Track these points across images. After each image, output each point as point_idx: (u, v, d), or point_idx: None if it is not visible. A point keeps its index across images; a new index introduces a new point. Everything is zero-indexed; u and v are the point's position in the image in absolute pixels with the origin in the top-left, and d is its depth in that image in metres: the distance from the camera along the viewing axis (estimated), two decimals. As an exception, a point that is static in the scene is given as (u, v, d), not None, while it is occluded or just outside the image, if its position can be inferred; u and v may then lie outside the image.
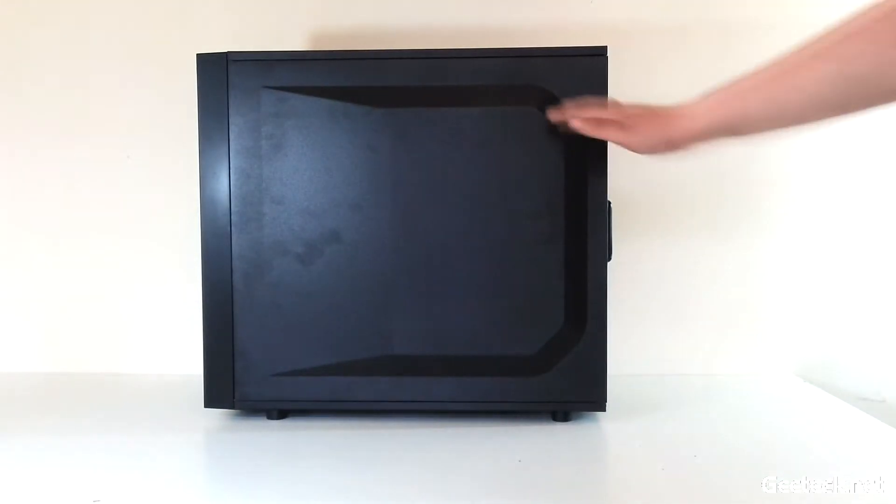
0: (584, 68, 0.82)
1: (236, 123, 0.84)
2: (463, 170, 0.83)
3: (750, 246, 1.09)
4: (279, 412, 0.86)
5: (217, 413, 0.88)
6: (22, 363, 1.13)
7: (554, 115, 0.81)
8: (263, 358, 0.84)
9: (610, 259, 0.84)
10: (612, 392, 0.84)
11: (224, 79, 0.83)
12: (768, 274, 1.10)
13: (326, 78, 0.83)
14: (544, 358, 0.83)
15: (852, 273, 1.10)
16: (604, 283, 0.82)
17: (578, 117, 0.78)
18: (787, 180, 1.09)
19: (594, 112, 0.79)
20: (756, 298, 1.10)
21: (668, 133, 0.73)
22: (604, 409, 0.83)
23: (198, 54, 0.84)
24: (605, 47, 0.82)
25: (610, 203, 0.83)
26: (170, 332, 1.11)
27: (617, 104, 0.80)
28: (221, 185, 0.84)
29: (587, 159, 0.82)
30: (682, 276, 1.09)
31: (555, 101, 0.82)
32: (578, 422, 0.85)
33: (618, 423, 0.84)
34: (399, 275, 0.83)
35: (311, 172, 0.84)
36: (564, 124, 0.80)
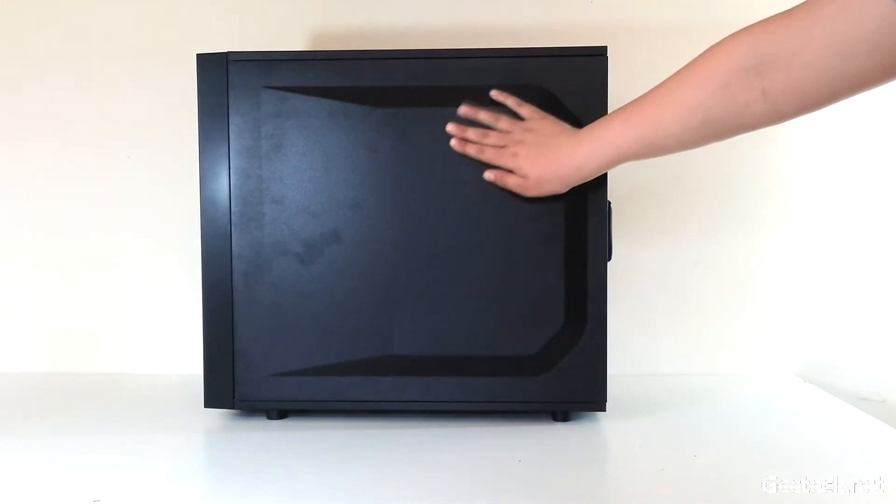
0: (584, 68, 0.82)
1: (236, 123, 0.84)
2: (463, 170, 0.83)
3: (750, 246, 1.09)
4: (279, 412, 0.86)
5: (217, 413, 0.88)
6: (22, 363, 1.13)
7: (455, 144, 0.82)
8: (263, 358, 0.84)
9: (610, 259, 0.84)
10: (612, 392, 0.84)
11: (224, 79, 0.83)
12: (768, 274, 1.10)
13: (326, 78, 0.83)
14: (544, 358, 0.83)
15: (852, 273, 1.10)
16: (604, 283, 0.82)
17: (466, 145, 0.82)
18: (787, 181, 1.09)
19: (476, 136, 0.82)
20: (756, 298, 1.10)
21: (560, 176, 0.79)
22: (604, 409, 0.83)
23: (198, 54, 0.84)
24: (605, 47, 0.82)
25: (610, 203, 0.83)
26: (170, 332, 1.11)
27: (506, 121, 0.81)
28: (221, 185, 0.84)
29: (587, 159, 0.82)
30: (681, 276, 1.10)
31: (555, 101, 0.82)
32: (578, 422, 0.85)
33: (618, 423, 0.84)
34: (399, 275, 0.83)
35: (311, 172, 0.84)
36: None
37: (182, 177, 1.07)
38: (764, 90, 0.67)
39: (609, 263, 0.83)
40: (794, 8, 0.65)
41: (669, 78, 0.74)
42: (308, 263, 0.84)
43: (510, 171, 0.81)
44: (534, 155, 0.79)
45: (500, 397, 0.83)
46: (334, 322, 0.84)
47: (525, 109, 0.82)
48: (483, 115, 0.82)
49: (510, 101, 0.82)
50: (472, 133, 0.82)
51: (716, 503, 0.64)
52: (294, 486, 0.66)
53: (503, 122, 0.81)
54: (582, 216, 0.82)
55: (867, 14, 0.59)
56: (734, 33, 0.69)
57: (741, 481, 0.67)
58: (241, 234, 0.84)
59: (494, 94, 0.82)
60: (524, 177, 0.80)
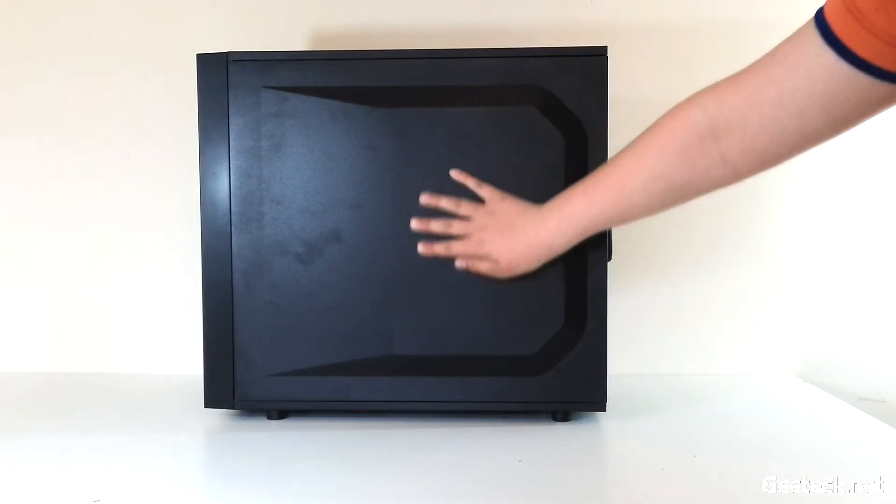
0: (584, 68, 0.82)
1: (236, 123, 0.84)
2: (463, 170, 0.83)
3: (750, 246, 1.09)
4: (279, 412, 0.86)
5: (217, 413, 0.88)
6: (22, 363, 1.13)
7: (423, 248, 0.82)
8: (263, 358, 0.84)
9: (610, 259, 0.83)
10: (612, 392, 0.84)
11: (224, 79, 0.83)
12: (768, 274, 1.10)
13: (326, 78, 0.83)
14: (544, 358, 0.83)
15: (852, 273, 1.10)
16: (604, 283, 0.82)
17: (432, 246, 0.82)
18: (788, 180, 1.09)
19: (440, 227, 0.81)
20: (756, 298, 1.10)
21: (531, 256, 0.79)
22: (604, 409, 0.83)
23: (198, 54, 0.84)
24: (605, 47, 0.82)
25: (610, 203, 0.83)
26: (170, 332, 1.11)
27: (467, 206, 0.81)
28: (221, 185, 0.84)
29: (587, 159, 0.82)
30: (681, 276, 1.09)
31: (555, 100, 0.82)
32: (578, 422, 0.85)
33: (618, 423, 0.84)
34: (399, 275, 0.83)
35: (311, 172, 0.84)
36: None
37: (182, 177, 1.07)
38: (722, 154, 0.68)
39: (609, 263, 0.83)
40: (742, 72, 0.67)
41: (628, 147, 0.75)
42: (308, 263, 0.84)
43: (480, 258, 0.81)
44: (500, 239, 0.79)
45: (500, 397, 0.83)
46: (334, 322, 0.84)
47: (484, 191, 0.82)
48: (444, 203, 0.82)
49: (470, 182, 0.82)
50: (435, 224, 0.82)
51: (716, 503, 0.64)
52: (294, 486, 0.66)
53: (464, 208, 0.82)
54: (582, 216, 0.82)
55: (814, 73, 0.61)
56: (686, 100, 0.71)
57: (741, 481, 0.67)
58: (241, 234, 0.84)
59: (454, 174, 0.82)
60: (495, 261, 0.80)
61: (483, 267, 0.81)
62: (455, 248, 0.81)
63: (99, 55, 1.10)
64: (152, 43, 1.10)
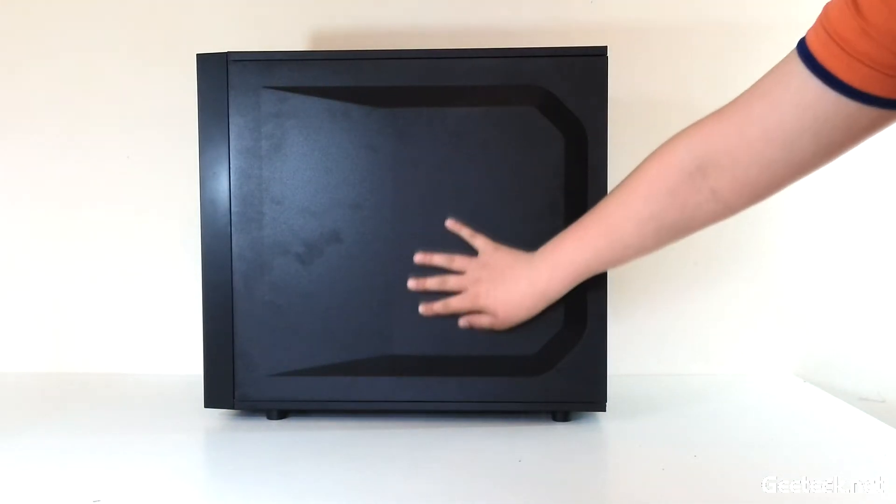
0: (584, 68, 0.82)
1: (236, 123, 0.84)
2: (463, 170, 0.83)
3: (750, 246, 1.09)
4: (279, 412, 0.86)
5: (217, 413, 0.88)
6: (22, 363, 1.13)
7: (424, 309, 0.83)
8: (263, 358, 0.84)
9: (610, 259, 0.84)
10: (612, 392, 0.84)
11: (224, 79, 0.83)
12: (768, 274, 1.10)
13: (326, 78, 0.83)
14: (544, 358, 0.83)
15: (852, 273, 1.10)
16: (604, 283, 0.82)
17: (431, 307, 0.82)
18: (787, 180, 1.09)
19: (435, 284, 0.81)
20: (756, 298, 1.10)
21: (527, 305, 0.79)
22: (604, 409, 0.83)
23: (198, 54, 0.84)
24: (605, 47, 0.82)
25: (610, 203, 0.83)
26: (170, 332, 1.11)
27: (461, 260, 0.81)
28: (221, 185, 0.84)
29: (587, 159, 0.82)
30: (681, 276, 1.09)
31: (555, 101, 0.82)
32: (578, 422, 0.85)
33: (618, 423, 0.84)
34: (399, 275, 0.83)
35: (311, 172, 0.84)
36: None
37: (182, 177, 1.07)
38: (712, 190, 0.69)
39: (609, 263, 0.83)
40: (727, 107, 0.67)
41: (617, 189, 0.75)
42: (308, 263, 0.84)
43: (479, 312, 0.81)
44: (495, 292, 0.80)
45: (500, 397, 0.83)
46: (334, 322, 0.84)
47: (478, 241, 0.82)
48: (437, 259, 0.82)
49: (464, 233, 0.82)
50: (431, 283, 0.82)
51: (716, 503, 0.64)
52: (294, 486, 0.66)
53: (458, 262, 0.82)
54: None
55: (802, 104, 0.61)
56: (671, 138, 0.71)
57: (741, 481, 0.67)
58: (241, 234, 0.84)
59: (449, 224, 0.82)
60: (493, 314, 0.80)
61: (483, 321, 0.81)
62: (452, 304, 0.82)
63: (98, 55, 1.10)
64: (152, 43, 1.10)
